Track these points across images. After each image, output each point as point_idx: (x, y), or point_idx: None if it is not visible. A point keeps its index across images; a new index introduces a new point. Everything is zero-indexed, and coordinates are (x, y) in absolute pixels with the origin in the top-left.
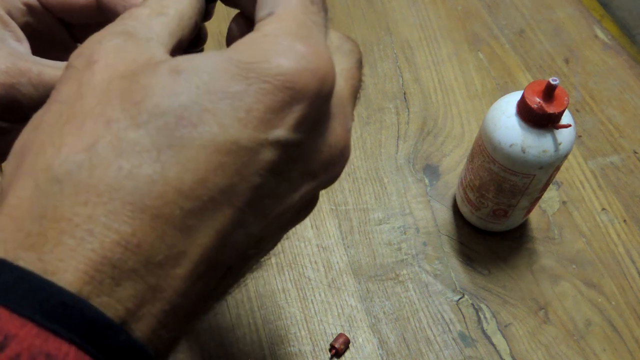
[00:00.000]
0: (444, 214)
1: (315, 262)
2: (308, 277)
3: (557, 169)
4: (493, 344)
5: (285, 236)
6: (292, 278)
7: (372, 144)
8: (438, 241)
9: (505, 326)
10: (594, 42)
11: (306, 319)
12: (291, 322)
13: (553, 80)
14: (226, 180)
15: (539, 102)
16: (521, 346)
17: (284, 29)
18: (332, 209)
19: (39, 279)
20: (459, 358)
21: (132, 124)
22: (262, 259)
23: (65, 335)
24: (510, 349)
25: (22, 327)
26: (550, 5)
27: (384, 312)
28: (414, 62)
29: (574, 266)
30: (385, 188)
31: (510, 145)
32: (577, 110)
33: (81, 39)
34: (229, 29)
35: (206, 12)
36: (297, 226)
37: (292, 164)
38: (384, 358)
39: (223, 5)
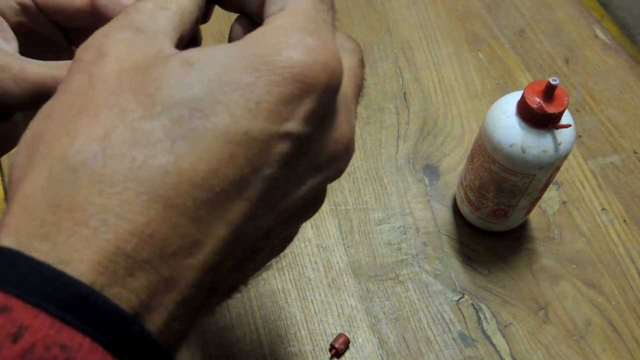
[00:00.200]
0: (444, 214)
1: (315, 262)
2: (308, 277)
3: (557, 169)
4: (493, 344)
5: None
6: (292, 278)
7: (372, 144)
8: (438, 241)
9: (505, 326)
10: (594, 42)
11: (306, 319)
12: (291, 322)
13: (553, 80)
14: (237, 171)
15: (539, 102)
16: (521, 346)
17: (295, 24)
18: (332, 209)
19: (52, 270)
20: (459, 358)
21: (146, 115)
22: (272, 259)
23: (79, 326)
24: (510, 349)
25: (36, 318)
26: (550, 5)
27: (384, 312)
28: (414, 62)
29: (574, 266)
30: (385, 188)
31: (510, 145)
32: (577, 110)
33: (77, 42)
34: (232, 29)
35: (205, 12)
36: None
37: (301, 157)
38: (384, 358)
39: None
